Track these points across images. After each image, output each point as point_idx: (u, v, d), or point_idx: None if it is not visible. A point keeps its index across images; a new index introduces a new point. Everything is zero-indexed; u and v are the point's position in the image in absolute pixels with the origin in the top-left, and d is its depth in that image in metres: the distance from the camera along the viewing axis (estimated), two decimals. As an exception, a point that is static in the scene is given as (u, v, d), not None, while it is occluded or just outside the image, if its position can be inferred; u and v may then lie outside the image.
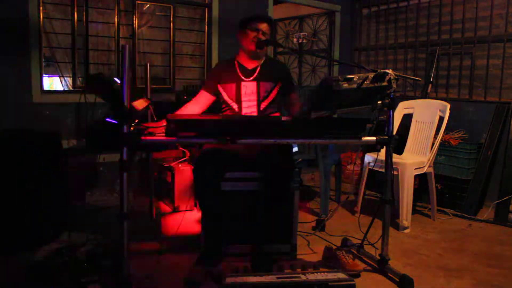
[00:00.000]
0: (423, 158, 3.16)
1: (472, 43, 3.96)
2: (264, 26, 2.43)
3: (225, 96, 2.50)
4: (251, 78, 2.49)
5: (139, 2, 3.77)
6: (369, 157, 3.31)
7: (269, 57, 2.66)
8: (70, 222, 2.79)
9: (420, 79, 2.75)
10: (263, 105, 2.48)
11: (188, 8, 4.11)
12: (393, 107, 2.17)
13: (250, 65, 2.52)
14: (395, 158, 3.10)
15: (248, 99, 2.46)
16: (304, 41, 5.30)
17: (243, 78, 2.49)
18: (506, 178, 3.42)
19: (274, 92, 2.50)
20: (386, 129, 2.21)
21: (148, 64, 3.12)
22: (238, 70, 2.51)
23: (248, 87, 2.47)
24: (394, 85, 2.03)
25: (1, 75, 3.08)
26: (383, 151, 2.30)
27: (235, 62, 2.54)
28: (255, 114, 2.45)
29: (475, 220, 3.33)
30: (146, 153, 3.47)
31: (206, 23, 4.17)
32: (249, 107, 2.47)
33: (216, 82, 2.51)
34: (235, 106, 2.48)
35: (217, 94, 2.54)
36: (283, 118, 2.01)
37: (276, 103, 2.55)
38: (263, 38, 2.42)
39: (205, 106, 2.55)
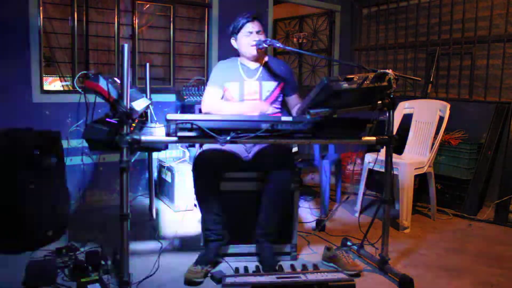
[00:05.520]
0: (423, 158, 3.16)
1: (472, 43, 3.96)
2: (256, 25, 2.41)
3: (227, 95, 2.50)
4: (254, 78, 2.48)
5: (139, 2, 3.76)
6: (369, 157, 3.31)
7: (272, 57, 2.66)
8: (70, 222, 2.79)
9: (420, 79, 2.75)
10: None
11: (188, 8, 4.11)
12: (393, 107, 2.17)
13: (252, 65, 2.52)
14: (395, 158, 3.10)
15: (251, 98, 2.46)
16: (304, 41, 5.32)
17: (246, 77, 2.48)
18: (506, 178, 3.42)
19: (277, 92, 2.50)
20: (386, 129, 2.21)
21: (148, 64, 3.12)
22: (241, 70, 2.50)
23: (251, 87, 2.46)
24: (394, 85, 2.03)
25: (1, 75, 3.08)
26: (383, 151, 2.30)
27: (238, 62, 2.54)
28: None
29: (475, 220, 3.33)
30: (146, 153, 3.47)
31: (206, 23, 4.16)
32: (251, 106, 2.46)
33: (221, 78, 2.49)
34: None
35: (223, 89, 2.51)
36: (283, 118, 2.01)
37: (279, 103, 2.55)
38: (259, 37, 2.40)
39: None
